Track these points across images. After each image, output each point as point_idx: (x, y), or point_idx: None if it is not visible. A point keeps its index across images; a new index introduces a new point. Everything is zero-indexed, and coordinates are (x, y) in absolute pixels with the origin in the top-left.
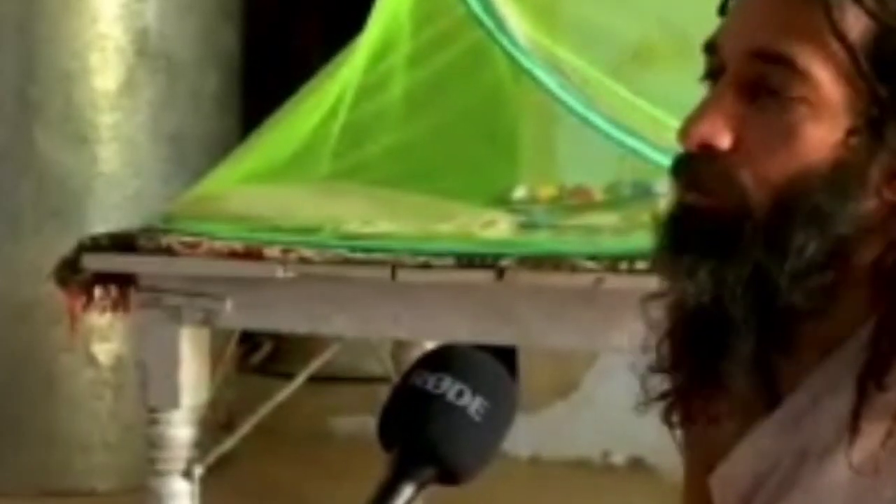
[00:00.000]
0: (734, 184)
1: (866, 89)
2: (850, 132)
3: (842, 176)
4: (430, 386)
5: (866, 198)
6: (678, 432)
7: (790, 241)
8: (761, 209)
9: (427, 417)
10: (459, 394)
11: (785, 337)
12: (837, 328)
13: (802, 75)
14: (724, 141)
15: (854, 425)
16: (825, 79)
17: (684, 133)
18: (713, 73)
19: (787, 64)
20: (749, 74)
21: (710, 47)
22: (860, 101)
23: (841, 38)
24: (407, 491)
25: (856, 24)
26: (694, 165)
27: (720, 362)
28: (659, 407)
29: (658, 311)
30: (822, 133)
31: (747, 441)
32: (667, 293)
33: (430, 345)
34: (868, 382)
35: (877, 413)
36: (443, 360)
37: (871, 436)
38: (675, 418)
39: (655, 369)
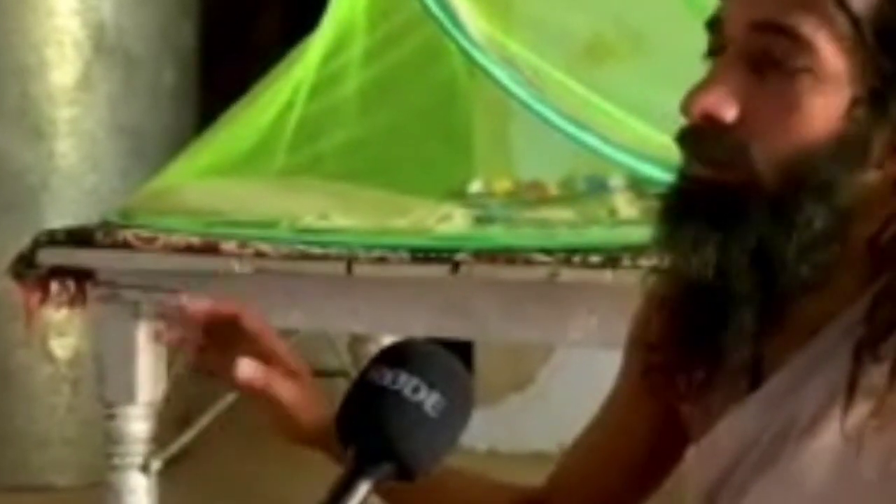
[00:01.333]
0: (742, 157)
1: (870, 60)
2: (854, 103)
3: (846, 147)
4: (386, 381)
5: (869, 170)
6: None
7: (798, 214)
8: (768, 182)
9: (383, 413)
10: (416, 389)
11: (778, 313)
12: (827, 307)
13: (806, 46)
14: (729, 113)
15: (850, 395)
16: (828, 49)
17: (687, 104)
18: (716, 50)
19: (790, 34)
20: (753, 47)
21: (713, 24)
22: (864, 72)
23: (844, 8)
24: (364, 487)
25: None
26: (700, 137)
27: (719, 336)
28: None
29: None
30: (826, 104)
31: (729, 417)
32: (668, 268)
33: (386, 339)
34: (864, 353)
35: (864, 391)
36: (400, 355)
37: (857, 413)
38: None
39: (644, 345)
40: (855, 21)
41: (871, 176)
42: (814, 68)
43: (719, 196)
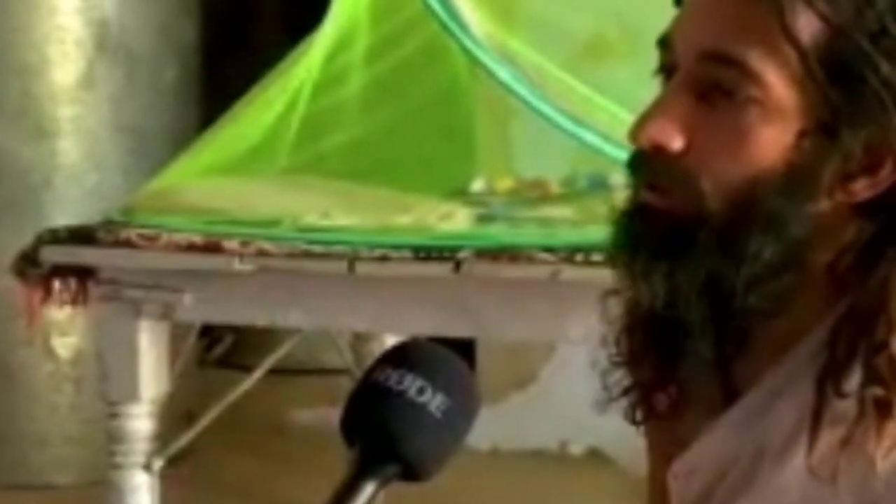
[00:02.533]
0: (690, 186)
1: (818, 92)
2: (802, 134)
3: (795, 178)
4: (391, 382)
5: (820, 200)
6: (641, 428)
7: (746, 247)
8: (717, 213)
9: (388, 414)
10: (421, 390)
11: (741, 337)
12: (794, 327)
13: (754, 77)
14: (676, 142)
15: (814, 427)
16: (777, 81)
17: (635, 132)
18: (667, 69)
19: (738, 66)
20: (700, 75)
21: (664, 42)
22: (812, 104)
23: (793, 40)
24: (368, 488)
25: (808, 27)
26: (649, 164)
27: (678, 363)
28: (617, 400)
29: (616, 307)
30: (774, 135)
31: (705, 438)
32: (624, 290)
33: (389, 337)
34: (826, 385)
35: (833, 418)
36: (405, 356)
37: (827, 440)
38: (637, 415)
39: (616, 365)
40: (803, 53)
41: (823, 205)
42: (762, 99)
43: (667, 225)
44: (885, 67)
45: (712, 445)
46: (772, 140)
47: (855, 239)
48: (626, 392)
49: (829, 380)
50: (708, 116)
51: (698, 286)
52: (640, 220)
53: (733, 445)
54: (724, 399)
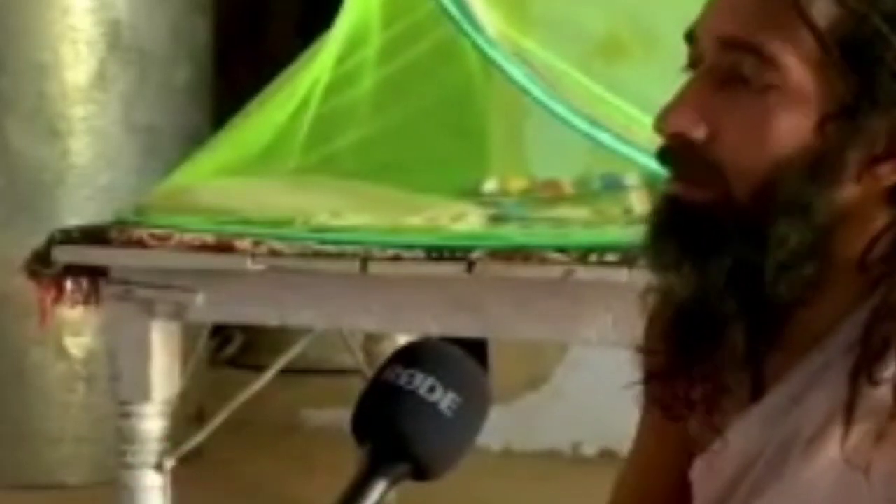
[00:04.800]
0: (715, 175)
1: (838, 76)
2: (824, 119)
3: (819, 163)
4: (402, 381)
5: (846, 185)
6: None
7: (772, 234)
8: (742, 201)
9: (399, 413)
10: (431, 389)
11: (773, 328)
12: (824, 319)
13: (772, 63)
14: (699, 131)
15: (848, 419)
16: (795, 66)
17: (659, 123)
18: (694, 63)
19: (756, 52)
20: (722, 64)
21: (690, 36)
22: (833, 88)
23: (810, 25)
24: (379, 487)
25: (824, 11)
26: (676, 156)
27: (712, 354)
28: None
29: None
30: (795, 121)
31: (732, 431)
32: (659, 286)
33: (401, 337)
34: (860, 377)
35: (866, 410)
36: (416, 355)
37: (860, 432)
38: (671, 411)
39: (647, 358)
40: (821, 38)
41: (850, 191)
42: (781, 85)
43: (696, 215)
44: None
45: (741, 438)
46: (793, 126)
47: (886, 228)
48: (658, 388)
49: (863, 371)
50: (730, 105)
51: (728, 275)
52: (670, 212)
53: (760, 438)
54: (752, 394)
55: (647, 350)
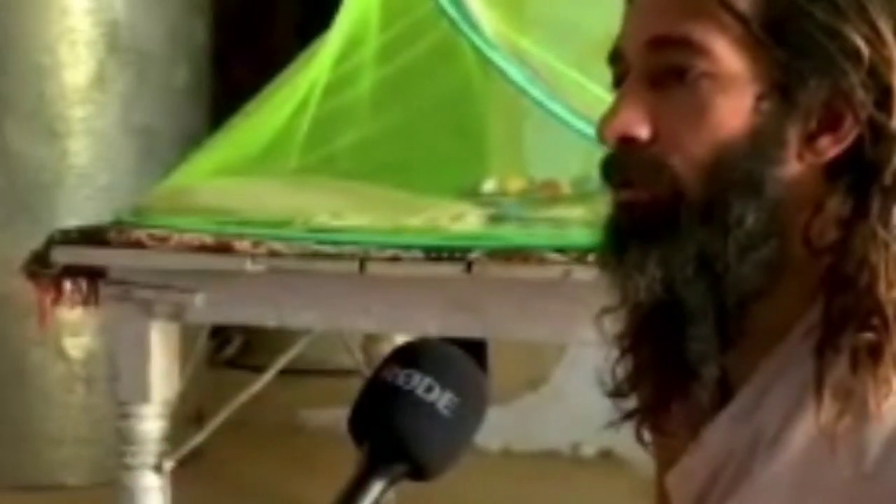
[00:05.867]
0: (663, 170)
1: (766, 55)
2: (759, 98)
3: (760, 142)
4: (399, 381)
5: (790, 163)
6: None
7: (728, 214)
8: (694, 189)
9: (396, 413)
10: (429, 389)
11: (737, 327)
12: (785, 313)
13: (700, 51)
14: (642, 130)
15: (818, 393)
16: (723, 51)
17: (602, 131)
18: (619, 80)
19: (684, 43)
20: (652, 64)
21: (614, 57)
22: (763, 68)
23: (731, 9)
24: (377, 487)
25: None
26: (621, 162)
27: (685, 353)
28: (626, 419)
29: (614, 323)
30: (732, 103)
31: (704, 435)
32: (620, 304)
33: (400, 338)
34: (825, 350)
35: (834, 387)
36: (413, 354)
37: (832, 406)
38: (645, 435)
39: (621, 386)
40: (743, 20)
41: (795, 168)
42: (713, 72)
43: (650, 214)
44: (820, 15)
45: (710, 444)
46: (731, 109)
47: (819, 207)
48: (634, 413)
49: (827, 345)
50: (666, 101)
51: (691, 261)
52: (623, 219)
53: (729, 441)
54: (719, 398)
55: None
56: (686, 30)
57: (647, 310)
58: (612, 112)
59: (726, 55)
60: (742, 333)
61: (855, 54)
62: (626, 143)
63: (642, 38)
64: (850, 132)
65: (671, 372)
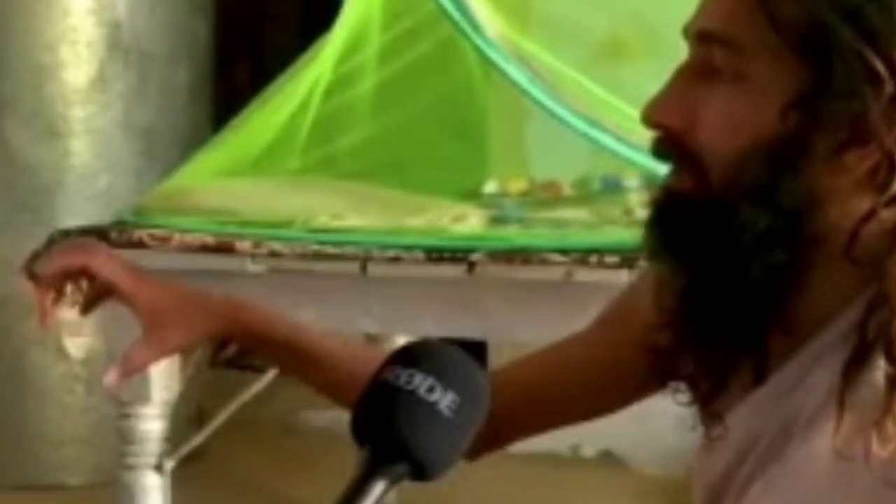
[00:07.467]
0: (695, 164)
1: (797, 66)
2: (787, 108)
3: (781, 150)
4: (401, 381)
5: (813, 172)
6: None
7: (737, 218)
8: (718, 187)
9: (398, 413)
10: (430, 389)
11: (774, 312)
12: (825, 304)
13: (738, 52)
14: (677, 121)
15: (840, 410)
16: (760, 57)
17: (643, 115)
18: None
19: (724, 43)
20: (698, 56)
21: (685, 34)
22: (793, 78)
23: (772, 18)
24: (379, 487)
25: (785, 5)
26: (665, 149)
27: (714, 337)
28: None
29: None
30: (760, 109)
31: (735, 413)
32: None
33: (401, 338)
34: (851, 368)
35: (858, 401)
36: (415, 355)
37: (853, 422)
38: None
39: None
40: (781, 30)
41: (820, 178)
42: (747, 75)
43: (680, 204)
44: (847, 37)
45: (742, 420)
46: (758, 114)
47: (867, 216)
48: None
49: (856, 362)
50: (706, 95)
51: (714, 259)
52: (661, 203)
53: (763, 420)
54: (755, 378)
55: (641, 322)
56: (729, 30)
57: (679, 292)
58: (655, 99)
59: (762, 62)
60: (784, 318)
61: (876, 79)
62: (662, 131)
63: (694, 29)
64: (876, 151)
65: (706, 342)
